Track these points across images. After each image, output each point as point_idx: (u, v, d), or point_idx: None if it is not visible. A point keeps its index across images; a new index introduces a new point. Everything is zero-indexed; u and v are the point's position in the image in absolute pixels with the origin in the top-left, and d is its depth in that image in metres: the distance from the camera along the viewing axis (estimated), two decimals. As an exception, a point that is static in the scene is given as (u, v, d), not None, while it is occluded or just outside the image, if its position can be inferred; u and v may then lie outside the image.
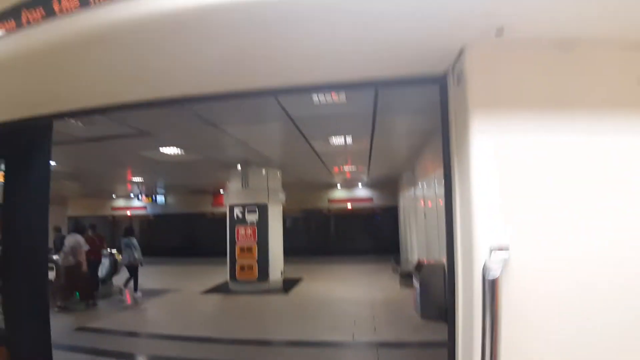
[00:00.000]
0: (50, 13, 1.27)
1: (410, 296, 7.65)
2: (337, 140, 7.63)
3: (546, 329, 1.22)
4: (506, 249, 1.20)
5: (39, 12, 1.29)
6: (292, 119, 5.91)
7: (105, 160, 9.23)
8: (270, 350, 5.72)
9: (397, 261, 13.16)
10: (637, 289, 1.19)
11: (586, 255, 1.21)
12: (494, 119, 1.26)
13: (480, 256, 1.22)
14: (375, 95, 4.68)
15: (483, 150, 1.26)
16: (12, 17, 1.34)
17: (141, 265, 9.62)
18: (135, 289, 9.48)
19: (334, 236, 18.96)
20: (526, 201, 1.23)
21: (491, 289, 1.12)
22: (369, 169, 12.13)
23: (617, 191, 1.22)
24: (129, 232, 9.91)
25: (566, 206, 1.22)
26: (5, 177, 2.74)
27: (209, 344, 5.99)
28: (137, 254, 9.54)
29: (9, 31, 1.37)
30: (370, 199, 17.98)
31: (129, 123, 5.68)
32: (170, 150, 8.01)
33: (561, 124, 1.24)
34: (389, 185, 15.90)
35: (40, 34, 1.32)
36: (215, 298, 9.73)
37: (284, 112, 5.48)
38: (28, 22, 1.31)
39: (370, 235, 18.16)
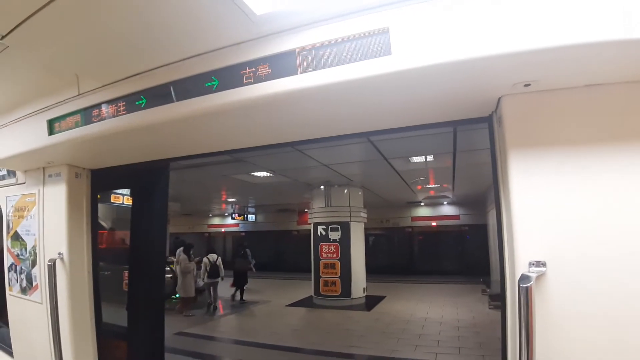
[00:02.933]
0: (173, 99, 1.82)
1: (499, 318, 7.30)
2: (418, 159, 7.71)
3: (581, 338, 1.34)
4: (542, 263, 1.40)
5: (168, 95, 1.83)
6: (371, 141, 6.20)
7: (203, 183, 10.40)
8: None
9: (487, 282, 12.49)
10: None
11: (616, 271, 1.33)
12: (528, 155, 1.46)
13: (520, 268, 1.43)
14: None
15: (520, 181, 1.47)
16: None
17: (253, 270, 12.84)
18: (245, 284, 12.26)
19: (418, 255, 18.52)
20: (561, 222, 1.40)
21: (525, 296, 1.31)
22: (453, 186, 11.84)
23: None
24: (245, 245, 13.96)
25: (597, 226, 1.36)
26: (133, 203, 3.42)
27: (294, 353, 6.41)
28: (252, 261, 13.16)
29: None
30: (457, 217, 17.26)
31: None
32: (261, 174, 8.78)
33: (589, 157, 1.39)
34: (477, 202, 15.18)
35: (169, 110, 1.85)
36: (301, 311, 10.21)
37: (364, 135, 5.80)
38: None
39: (457, 255, 17.42)
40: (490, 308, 9.35)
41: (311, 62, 1.46)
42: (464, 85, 1.49)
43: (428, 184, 11.10)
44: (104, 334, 3.02)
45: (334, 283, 10.64)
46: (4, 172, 3.22)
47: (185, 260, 9.25)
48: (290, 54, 1.49)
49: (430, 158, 7.64)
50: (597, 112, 1.41)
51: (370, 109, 1.74)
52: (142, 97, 1.90)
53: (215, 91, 1.68)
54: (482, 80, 1.44)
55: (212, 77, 1.68)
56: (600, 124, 1.40)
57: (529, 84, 1.43)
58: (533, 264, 1.40)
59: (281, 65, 1.52)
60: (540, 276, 1.38)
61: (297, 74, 1.49)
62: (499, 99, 1.56)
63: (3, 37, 1.65)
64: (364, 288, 10.98)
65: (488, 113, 1.74)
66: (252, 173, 8.79)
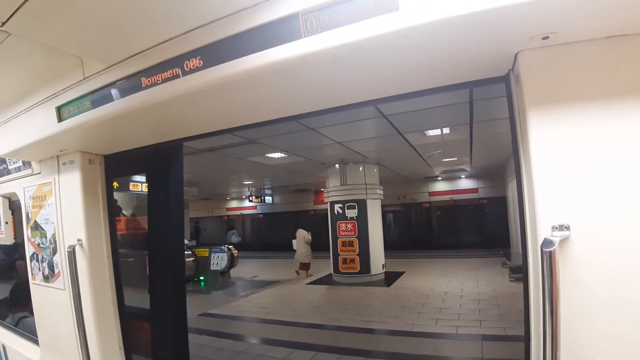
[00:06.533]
0: (179, 75, 1.75)
1: (520, 290, 7.23)
2: (434, 132, 7.55)
3: (609, 306, 1.28)
4: (566, 226, 1.32)
5: (173, 71, 1.77)
6: (385, 116, 6.08)
7: (219, 166, 10.47)
8: (373, 338, 5.96)
9: (507, 255, 12.38)
10: None
11: None
12: (548, 113, 1.37)
13: (542, 232, 1.35)
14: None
15: (541, 142, 1.38)
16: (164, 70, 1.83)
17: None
18: None
19: (436, 230, 18.45)
20: (585, 183, 1.32)
21: (549, 261, 1.25)
22: (471, 159, 11.62)
23: None
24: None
25: (624, 185, 1.28)
26: (148, 187, 3.43)
27: (316, 329, 6.51)
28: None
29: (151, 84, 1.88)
30: (475, 190, 17.05)
31: (239, 134, 6.45)
32: (276, 155, 8.76)
33: (611, 112, 1.30)
34: (496, 174, 14.92)
35: (175, 86, 1.78)
36: (321, 289, 10.33)
37: (377, 110, 5.69)
38: (165, 79, 1.80)
39: (476, 228, 17.29)
40: (510, 280, 9.28)
41: (315, 25, 1.38)
42: (478, 41, 1.39)
43: (445, 157, 10.91)
44: (129, 317, 3.08)
45: (352, 260, 10.71)
46: (20, 163, 3.26)
47: (308, 235, 12.22)
48: (293, 17, 1.42)
49: (446, 131, 7.47)
50: (620, 65, 1.31)
51: (379, 72, 1.65)
52: None
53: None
54: (497, 35, 1.34)
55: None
56: (623, 78, 1.30)
57: (547, 37, 1.33)
58: (556, 228, 1.33)
59: (284, 30, 1.44)
60: (564, 240, 1.31)
61: (301, 37, 1.42)
62: (516, 55, 1.46)
63: (3, 23, 1.62)
64: (382, 264, 11.02)
65: (505, 72, 1.65)
66: (267, 154, 8.79)
